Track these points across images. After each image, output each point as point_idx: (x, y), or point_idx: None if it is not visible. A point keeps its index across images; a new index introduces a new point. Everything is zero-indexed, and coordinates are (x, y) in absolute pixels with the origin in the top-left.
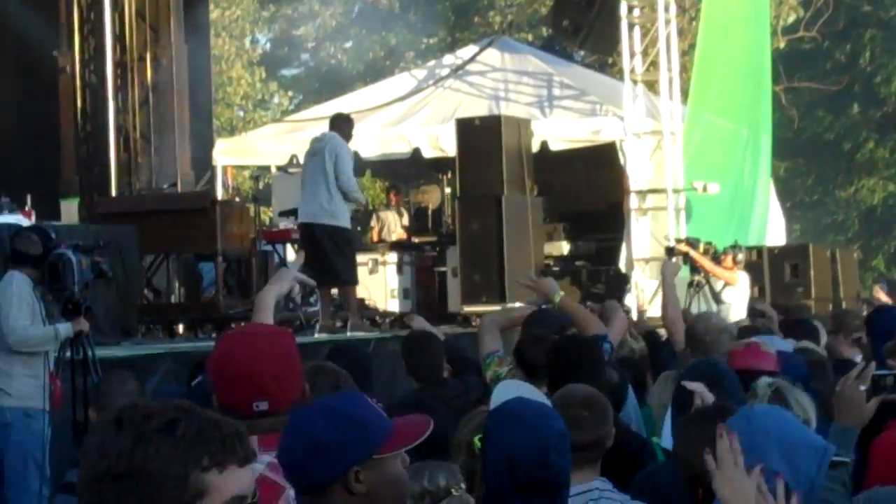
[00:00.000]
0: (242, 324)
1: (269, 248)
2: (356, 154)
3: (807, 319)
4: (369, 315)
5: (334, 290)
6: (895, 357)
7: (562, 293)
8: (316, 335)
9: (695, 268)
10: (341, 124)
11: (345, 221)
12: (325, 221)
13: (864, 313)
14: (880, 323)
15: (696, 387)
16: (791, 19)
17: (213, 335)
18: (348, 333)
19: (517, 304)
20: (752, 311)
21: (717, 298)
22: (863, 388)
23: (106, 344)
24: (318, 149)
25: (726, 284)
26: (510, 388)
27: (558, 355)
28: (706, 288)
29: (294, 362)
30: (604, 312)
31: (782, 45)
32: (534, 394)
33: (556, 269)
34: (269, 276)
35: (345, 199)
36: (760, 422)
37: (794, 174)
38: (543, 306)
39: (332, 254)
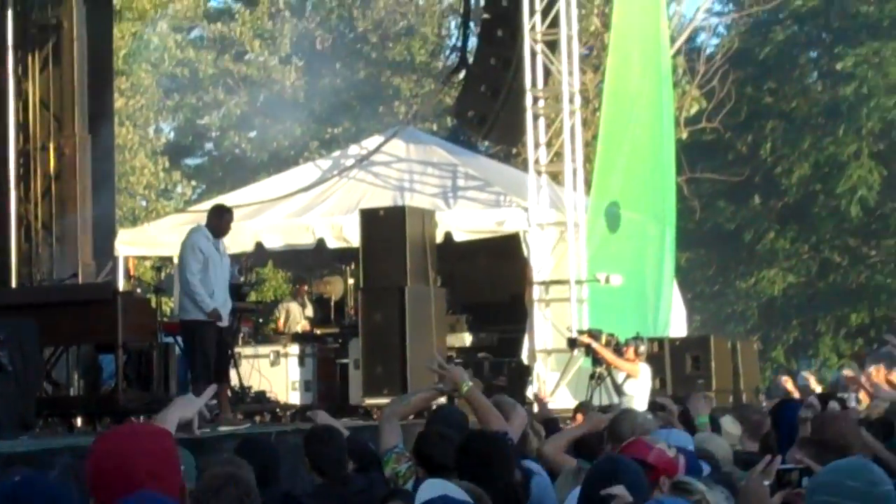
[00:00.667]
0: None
1: (170, 339)
2: (258, 244)
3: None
4: (270, 408)
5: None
6: (807, 449)
7: (470, 383)
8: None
9: (597, 360)
10: (209, 217)
11: (189, 315)
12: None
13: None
14: (785, 416)
15: (617, 490)
16: (693, 110)
17: (104, 433)
18: (220, 428)
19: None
20: (653, 405)
21: (618, 391)
22: (766, 482)
23: (3, 438)
24: None
25: (628, 376)
26: (435, 487)
27: (468, 454)
28: (608, 380)
29: (173, 461)
30: (500, 406)
31: (685, 135)
32: (458, 493)
33: (458, 360)
34: (169, 368)
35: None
36: None
37: (696, 265)
38: (444, 394)
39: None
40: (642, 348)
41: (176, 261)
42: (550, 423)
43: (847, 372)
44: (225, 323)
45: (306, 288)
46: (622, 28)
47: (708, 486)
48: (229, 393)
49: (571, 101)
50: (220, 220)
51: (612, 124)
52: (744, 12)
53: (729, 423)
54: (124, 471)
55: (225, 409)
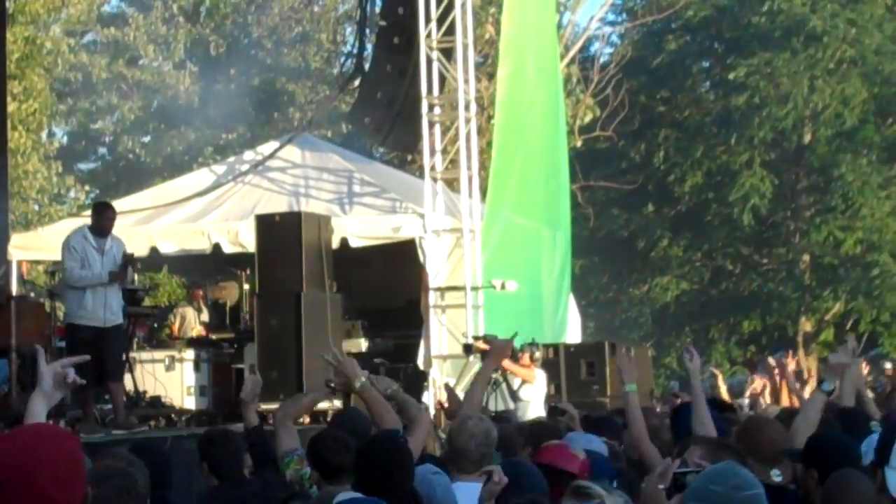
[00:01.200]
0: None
1: (63, 344)
2: (152, 249)
3: (609, 417)
4: (165, 413)
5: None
6: (702, 448)
7: (363, 379)
8: (114, 432)
9: None
10: (92, 214)
11: (68, 319)
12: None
13: (658, 410)
14: (683, 420)
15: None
16: (587, 119)
17: (6, 433)
18: (114, 432)
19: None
20: (553, 410)
21: (514, 396)
22: (662, 486)
23: None
24: None
25: (524, 382)
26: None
27: (367, 458)
28: (503, 385)
29: (77, 466)
30: (406, 407)
31: (578, 143)
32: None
33: None
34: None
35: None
36: None
37: (589, 272)
38: (335, 392)
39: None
40: (537, 354)
41: None
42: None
43: (770, 360)
44: (118, 321)
45: (202, 293)
46: (513, 36)
47: (608, 491)
48: (124, 398)
49: (467, 108)
50: (99, 217)
51: (506, 132)
52: (637, 22)
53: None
54: (27, 474)
55: (119, 412)
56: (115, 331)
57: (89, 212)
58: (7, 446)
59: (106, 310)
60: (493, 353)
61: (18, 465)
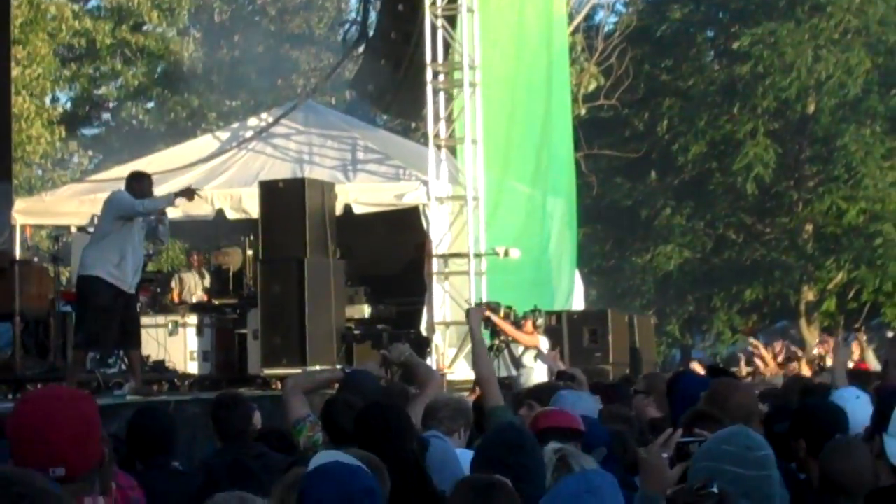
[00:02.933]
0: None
1: (68, 308)
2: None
3: (619, 384)
4: (168, 378)
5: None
6: (698, 425)
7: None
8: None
9: (495, 332)
10: (129, 182)
11: (87, 270)
12: (78, 273)
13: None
14: (679, 388)
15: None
16: (592, 87)
17: (10, 396)
18: (127, 397)
19: (318, 367)
20: (561, 374)
21: (517, 363)
22: (666, 455)
23: None
24: None
25: (527, 349)
26: (328, 456)
27: (365, 423)
28: (506, 352)
29: (93, 427)
30: (418, 369)
31: (583, 112)
32: (350, 461)
33: (357, 332)
34: (67, 337)
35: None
36: None
37: (592, 240)
38: (347, 370)
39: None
40: (540, 321)
41: (74, 230)
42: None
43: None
44: (131, 290)
45: (197, 257)
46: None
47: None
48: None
49: (471, 75)
50: (141, 184)
51: (511, 101)
52: None
53: None
54: (45, 435)
55: (138, 379)
56: (134, 298)
57: (93, 177)
58: (25, 408)
59: (134, 276)
60: (469, 317)
61: (35, 424)
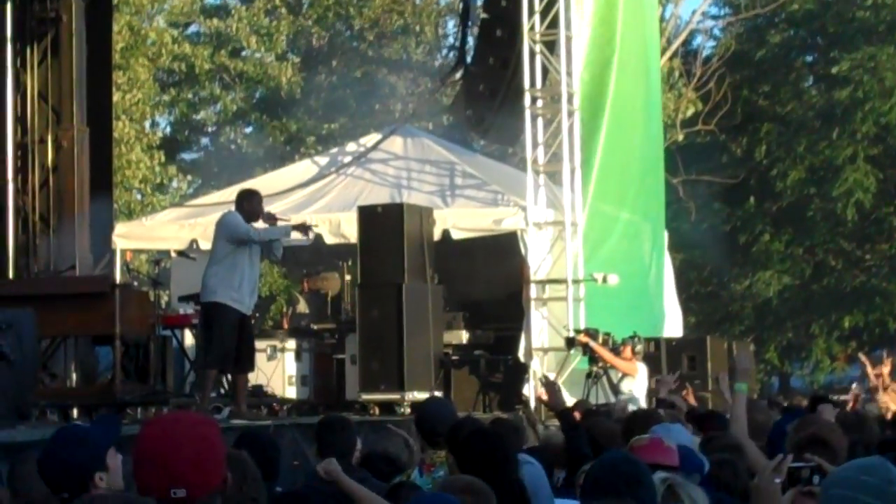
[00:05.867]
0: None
1: (167, 332)
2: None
3: (717, 413)
4: (268, 402)
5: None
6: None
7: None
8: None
9: (593, 358)
10: (240, 201)
11: (214, 297)
12: (203, 299)
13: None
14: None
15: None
16: (690, 112)
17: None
18: (231, 421)
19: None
20: (660, 402)
21: (615, 390)
22: (778, 480)
23: (1, 427)
24: None
25: (624, 375)
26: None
27: (467, 448)
28: (604, 378)
29: (216, 451)
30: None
31: (680, 137)
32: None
33: (455, 357)
34: (166, 361)
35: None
36: None
37: (690, 266)
38: None
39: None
40: (639, 347)
41: (173, 255)
42: (565, 413)
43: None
44: (248, 312)
45: (308, 282)
46: (609, 25)
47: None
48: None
49: (570, 101)
50: (251, 203)
51: (612, 126)
52: (740, 16)
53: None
54: (167, 456)
55: (242, 403)
56: (251, 320)
57: (193, 202)
58: (149, 432)
59: (251, 298)
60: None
61: (157, 449)
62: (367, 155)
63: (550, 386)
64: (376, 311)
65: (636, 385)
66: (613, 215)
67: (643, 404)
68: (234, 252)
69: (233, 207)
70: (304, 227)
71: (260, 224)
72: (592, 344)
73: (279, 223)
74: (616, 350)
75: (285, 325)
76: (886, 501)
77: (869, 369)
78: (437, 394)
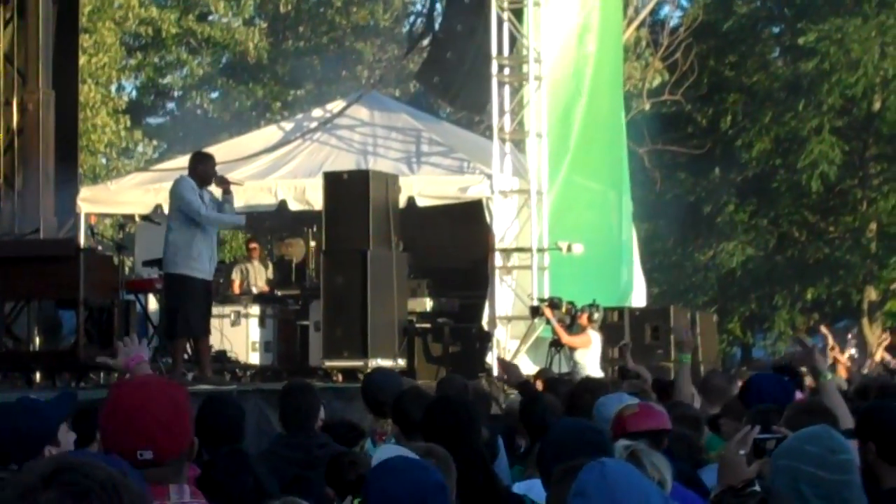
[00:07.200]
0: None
1: (131, 297)
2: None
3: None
4: (230, 368)
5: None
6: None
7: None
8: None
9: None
10: (194, 164)
11: (176, 268)
12: (166, 270)
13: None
14: (754, 389)
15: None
16: (656, 82)
17: (72, 384)
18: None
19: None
20: (624, 372)
21: (573, 359)
22: (743, 452)
23: None
24: None
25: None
26: (391, 451)
27: (433, 417)
28: (566, 348)
29: (183, 414)
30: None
31: (647, 107)
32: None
33: (419, 325)
34: (130, 326)
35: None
36: (613, 476)
37: (655, 236)
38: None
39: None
40: (596, 315)
41: (138, 220)
42: (524, 386)
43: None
44: (210, 278)
45: (256, 248)
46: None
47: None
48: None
49: (537, 68)
50: (204, 165)
51: (565, 95)
52: None
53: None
54: (135, 418)
55: (207, 368)
56: (212, 285)
57: (158, 166)
58: (119, 392)
59: (211, 263)
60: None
61: (125, 408)
62: (334, 121)
63: (505, 365)
64: (341, 278)
65: (588, 355)
66: (582, 185)
67: (597, 372)
68: (187, 222)
69: (210, 160)
70: (223, 181)
71: (213, 189)
72: (552, 320)
73: (231, 187)
74: (573, 316)
75: (236, 291)
76: (829, 470)
77: (830, 340)
78: (401, 361)
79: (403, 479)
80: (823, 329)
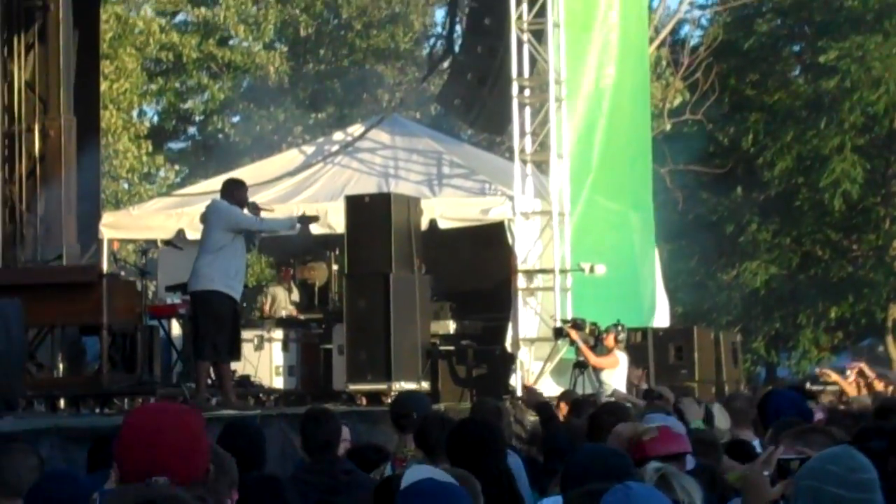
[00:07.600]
0: (141, 400)
1: (154, 322)
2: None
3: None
4: (254, 392)
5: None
6: (784, 441)
7: None
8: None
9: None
10: (230, 190)
11: (213, 284)
12: (198, 287)
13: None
14: (771, 406)
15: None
16: (677, 102)
17: (96, 410)
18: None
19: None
20: (649, 393)
21: (599, 380)
22: (766, 473)
23: None
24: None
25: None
26: (421, 472)
27: (458, 440)
28: (590, 368)
29: (199, 441)
30: None
31: (668, 127)
32: (443, 477)
33: (442, 347)
34: (153, 351)
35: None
36: (637, 500)
37: (677, 256)
38: None
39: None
40: (622, 336)
41: (160, 245)
42: (543, 407)
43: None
44: (239, 299)
45: (289, 272)
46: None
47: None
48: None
49: (557, 90)
50: (240, 192)
51: (587, 116)
52: (728, 5)
53: (719, 412)
54: (151, 444)
55: (229, 392)
56: (240, 307)
57: (180, 191)
58: (135, 419)
59: (242, 285)
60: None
61: (141, 434)
62: (355, 144)
63: (525, 388)
64: (363, 301)
65: (615, 376)
66: (604, 206)
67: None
68: (230, 241)
69: (219, 197)
70: (310, 219)
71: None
72: (578, 341)
73: (262, 213)
74: (599, 338)
75: (265, 314)
76: (850, 489)
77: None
78: (424, 384)
79: (430, 501)
80: (864, 367)
